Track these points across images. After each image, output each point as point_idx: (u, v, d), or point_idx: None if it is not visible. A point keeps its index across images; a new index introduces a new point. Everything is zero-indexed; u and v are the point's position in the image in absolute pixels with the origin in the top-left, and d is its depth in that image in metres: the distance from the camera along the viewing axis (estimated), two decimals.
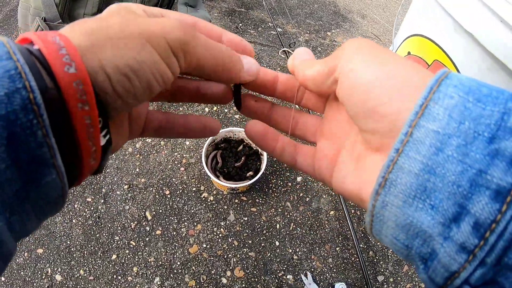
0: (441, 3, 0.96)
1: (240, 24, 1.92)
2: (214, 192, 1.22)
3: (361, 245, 1.19)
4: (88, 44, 0.20)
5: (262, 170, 1.13)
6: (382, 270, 1.15)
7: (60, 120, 0.18)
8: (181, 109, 1.41)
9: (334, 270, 1.12)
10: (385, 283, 1.13)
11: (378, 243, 1.20)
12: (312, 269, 1.11)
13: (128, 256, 1.07)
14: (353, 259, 1.15)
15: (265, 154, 1.17)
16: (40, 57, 0.18)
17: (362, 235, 1.21)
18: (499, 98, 0.18)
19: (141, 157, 1.27)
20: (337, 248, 1.17)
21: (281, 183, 1.27)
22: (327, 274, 1.11)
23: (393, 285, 1.13)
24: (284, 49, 1.48)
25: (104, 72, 0.20)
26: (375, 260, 1.17)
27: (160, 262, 1.07)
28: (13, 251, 0.19)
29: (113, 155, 1.25)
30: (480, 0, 0.85)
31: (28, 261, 1.04)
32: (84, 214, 1.13)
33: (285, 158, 0.30)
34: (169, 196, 1.19)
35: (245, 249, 1.12)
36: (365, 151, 0.23)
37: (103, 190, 1.18)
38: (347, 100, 0.23)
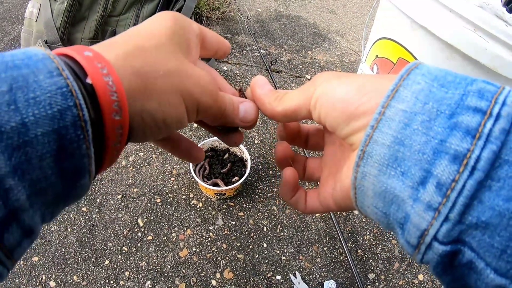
0: (396, 4, 1.05)
1: None
2: (203, 199, 1.27)
3: (349, 245, 1.20)
4: (137, 92, 0.22)
5: (246, 174, 1.18)
6: (372, 268, 1.16)
7: (94, 142, 0.21)
8: None
9: (323, 269, 1.13)
10: (376, 281, 1.13)
11: (366, 242, 1.21)
12: (301, 269, 1.13)
13: (121, 261, 1.11)
14: (341, 258, 1.16)
15: (249, 160, 1.23)
16: (90, 90, 0.20)
17: (349, 234, 1.23)
18: (461, 83, 0.20)
19: (134, 169, 1.34)
20: (325, 248, 1.18)
21: (267, 188, 1.32)
22: (316, 274, 1.12)
23: (384, 282, 1.13)
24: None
25: (142, 120, 0.23)
26: (364, 259, 1.17)
27: (151, 266, 1.10)
28: (38, 235, 0.21)
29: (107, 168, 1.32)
30: None
31: (23, 269, 1.08)
32: (79, 223, 1.18)
33: (299, 206, 0.33)
34: (160, 204, 1.24)
35: (233, 252, 1.15)
36: (353, 154, 0.25)
37: (98, 200, 1.24)
38: (329, 115, 0.25)
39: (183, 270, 1.10)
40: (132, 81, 0.22)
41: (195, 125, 1.52)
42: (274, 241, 1.18)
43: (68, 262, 1.10)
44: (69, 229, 1.17)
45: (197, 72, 0.26)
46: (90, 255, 1.12)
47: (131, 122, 0.22)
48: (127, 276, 1.08)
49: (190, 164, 1.19)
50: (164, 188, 1.29)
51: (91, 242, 1.14)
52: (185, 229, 1.19)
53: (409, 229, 0.21)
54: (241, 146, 1.25)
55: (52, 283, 1.06)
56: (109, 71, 0.20)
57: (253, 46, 1.98)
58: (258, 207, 1.26)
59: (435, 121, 0.20)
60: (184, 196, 1.27)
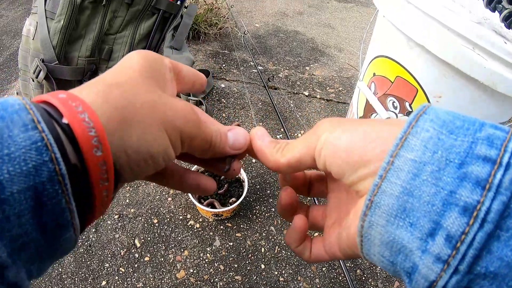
0: (392, 22, 1.04)
1: (224, 65, 2.06)
2: (200, 220, 1.26)
3: (348, 264, 1.19)
4: (116, 125, 0.21)
5: (243, 195, 1.18)
6: (371, 287, 1.15)
7: (79, 188, 0.20)
8: None
9: None
10: None
11: (365, 262, 1.20)
12: None
13: (118, 282, 1.10)
14: (340, 278, 1.16)
15: (246, 181, 1.23)
16: (69, 132, 0.19)
17: None
18: (470, 129, 0.20)
19: (130, 189, 1.33)
20: (324, 268, 1.17)
21: (265, 209, 1.31)
22: None
23: None
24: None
25: (126, 154, 0.22)
26: (363, 278, 1.16)
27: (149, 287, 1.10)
28: None
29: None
30: (425, 13, 0.92)
31: None
32: None
33: (305, 254, 0.32)
34: (157, 224, 1.24)
35: (231, 273, 1.14)
36: (360, 201, 0.25)
37: (95, 220, 1.23)
38: (334, 163, 0.25)
39: None
40: (109, 115, 0.21)
41: None
42: (272, 262, 1.18)
43: (65, 282, 1.09)
44: None
45: (175, 101, 0.26)
46: (87, 275, 1.11)
47: (116, 159, 0.22)
48: None
49: None
50: (161, 209, 1.28)
51: (88, 263, 1.14)
52: (182, 250, 1.18)
53: (417, 279, 0.21)
54: None
55: None
56: (84, 108, 0.20)
57: (251, 63, 1.99)
58: (256, 227, 1.26)
59: (445, 171, 0.20)
60: (181, 217, 1.27)
